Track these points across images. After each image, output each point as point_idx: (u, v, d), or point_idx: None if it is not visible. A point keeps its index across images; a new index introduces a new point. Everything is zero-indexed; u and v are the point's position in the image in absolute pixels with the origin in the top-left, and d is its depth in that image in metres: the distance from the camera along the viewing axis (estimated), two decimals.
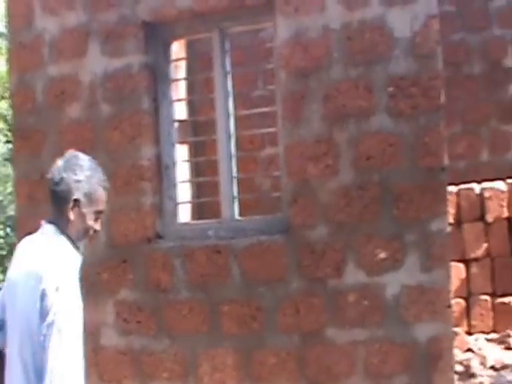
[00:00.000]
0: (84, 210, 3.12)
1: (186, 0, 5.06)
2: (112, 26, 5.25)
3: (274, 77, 4.99)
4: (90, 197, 3.12)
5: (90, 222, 3.16)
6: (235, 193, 5.11)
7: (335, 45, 4.69)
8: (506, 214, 7.50)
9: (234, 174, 5.11)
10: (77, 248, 3.17)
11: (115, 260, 5.24)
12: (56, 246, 3.08)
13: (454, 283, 7.22)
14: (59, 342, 2.89)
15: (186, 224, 5.28)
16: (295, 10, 4.76)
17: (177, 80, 5.44)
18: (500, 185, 7.58)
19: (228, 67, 5.13)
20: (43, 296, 2.94)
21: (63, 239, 3.11)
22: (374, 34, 4.64)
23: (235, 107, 5.21)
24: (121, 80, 5.21)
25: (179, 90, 5.63)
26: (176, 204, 5.24)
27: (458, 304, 7.39)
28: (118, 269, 5.24)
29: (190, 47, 6.75)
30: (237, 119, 5.24)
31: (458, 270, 7.41)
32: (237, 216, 5.10)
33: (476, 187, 7.63)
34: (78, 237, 3.16)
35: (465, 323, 7.45)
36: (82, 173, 3.12)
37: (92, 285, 5.21)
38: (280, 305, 4.81)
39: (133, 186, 5.18)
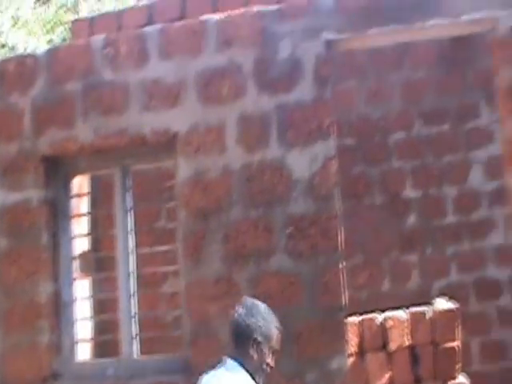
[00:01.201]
0: (263, 349, 3.55)
1: (88, 135, 5.09)
2: (12, 159, 5.22)
3: (176, 214, 5.01)
4: (268, 338, 3.56)
5: (268, 359, 3.60)
6: (134, 332, 5.01)
7: (235, 185, 4.77)
8: (407, 342, 7.56)
9: (134, 312, 5.03)
10: (255, 382, 3.59)
11: None
12: (237, 376, 3.51)
13: None
14: None
15: (84, 363, 5.13)
16: (196, 150, 4.84)
17: (78, 215, 5.39)
18: (401, 314, 7.67)
19: (129, 204, 5.12)
20: None
21: (244, 372, 3.52)
22: (273, 175, 4.74)
23: (137, 241, 5.18)
24: (19, 214, 5.14)
25: (81, 223, 5.58)
26: (74, 342, 5.11)
27: None
28: None
29: (93, 179, 6.73)
30: (139, 254, 5.21)
31: None
32: (136, 355, 4.99)
33: (378, 317, 7.69)
34: (256, 372, 3.57)
35: None
36: (261, 318, 3.57)
37: None
38: None
39: (29, 323, 5.04)
